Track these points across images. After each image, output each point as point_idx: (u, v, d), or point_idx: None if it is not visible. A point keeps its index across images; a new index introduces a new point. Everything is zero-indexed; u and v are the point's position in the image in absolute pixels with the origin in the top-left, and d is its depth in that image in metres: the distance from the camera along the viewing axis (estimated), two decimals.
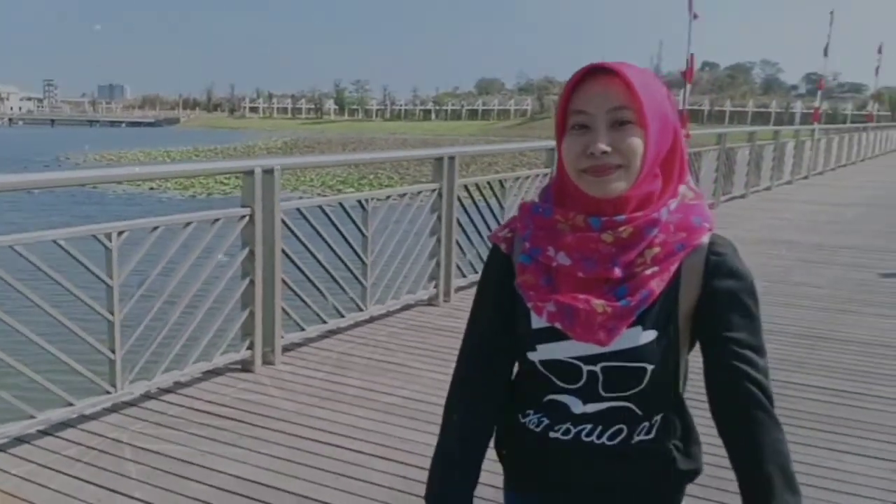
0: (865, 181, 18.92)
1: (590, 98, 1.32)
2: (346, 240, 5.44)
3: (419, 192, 6.03)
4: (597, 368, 1.39)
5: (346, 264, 5.47)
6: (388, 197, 5.87)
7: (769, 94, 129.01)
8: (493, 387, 1.51)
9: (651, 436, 1.45)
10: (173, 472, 3.42)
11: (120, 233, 3.95)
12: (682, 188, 1.41)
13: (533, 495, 1.54)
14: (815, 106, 24.51)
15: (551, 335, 1.39)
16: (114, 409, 4.06)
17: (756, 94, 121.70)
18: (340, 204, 5.42)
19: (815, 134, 19.71)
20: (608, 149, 1.31)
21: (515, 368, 1.53)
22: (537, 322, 1.40)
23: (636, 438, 1.44)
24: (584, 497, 1.49)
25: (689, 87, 14.60)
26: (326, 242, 5.29)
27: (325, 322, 5.32)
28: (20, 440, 3.69)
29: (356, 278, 5.56)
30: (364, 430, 3.89)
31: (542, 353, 1.42)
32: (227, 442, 3.75)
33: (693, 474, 1.50)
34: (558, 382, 1.43)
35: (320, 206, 5.24)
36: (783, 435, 1.36)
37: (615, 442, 1.43)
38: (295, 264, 4.99)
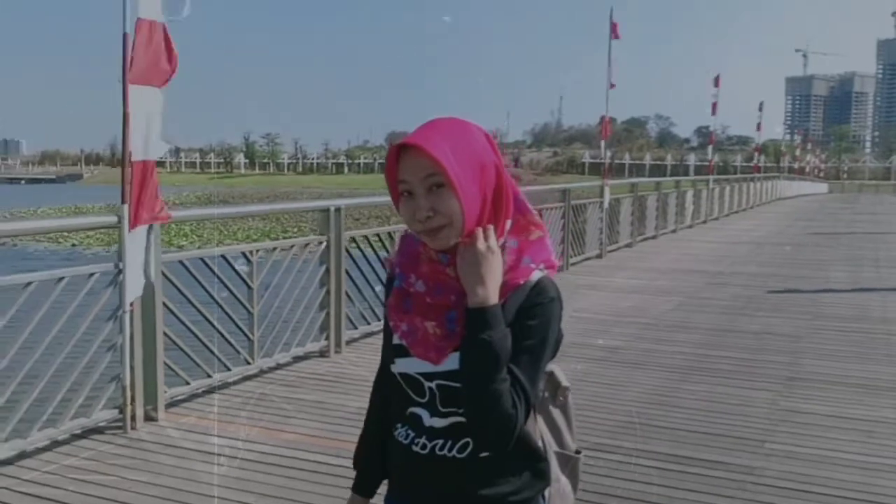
0: (754, 224, 21.84)
1: (407, 168, 1.49)
2: (370, 264, 7.10)
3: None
4: (433, 385, 1.55)
5: (381, 281, 7.23)
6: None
7: (664, 146, 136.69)
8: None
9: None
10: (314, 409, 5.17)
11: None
12: (509, 222, 1.55)
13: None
14: (709, 159, 27.46)
15: (404, 351, 1.57)
16: (245, 378, 5.72)
17: (652, 147, 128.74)
18: (378, 235, 7.21)
19: (709, 184, 22.46)
20: (430, 213, 1.47)
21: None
22: (396, 339, 1.59)
23: (483, 453, 1.55)
24: None
25: (604, 143, 17.13)
26: (357, 266, 7.06)
27: (355, 328, 7.03)
28: (193, 396, 5.31)
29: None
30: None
31: (399, 366, 1.59)
32: (313, 399, 5.50)
33: (542, 487, 1.63)
34: (413, 396, 1.59)
35: (366, 237, 7.04)
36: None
37: (464, 455, 1.55)
38: (350, 278, 6.73)
